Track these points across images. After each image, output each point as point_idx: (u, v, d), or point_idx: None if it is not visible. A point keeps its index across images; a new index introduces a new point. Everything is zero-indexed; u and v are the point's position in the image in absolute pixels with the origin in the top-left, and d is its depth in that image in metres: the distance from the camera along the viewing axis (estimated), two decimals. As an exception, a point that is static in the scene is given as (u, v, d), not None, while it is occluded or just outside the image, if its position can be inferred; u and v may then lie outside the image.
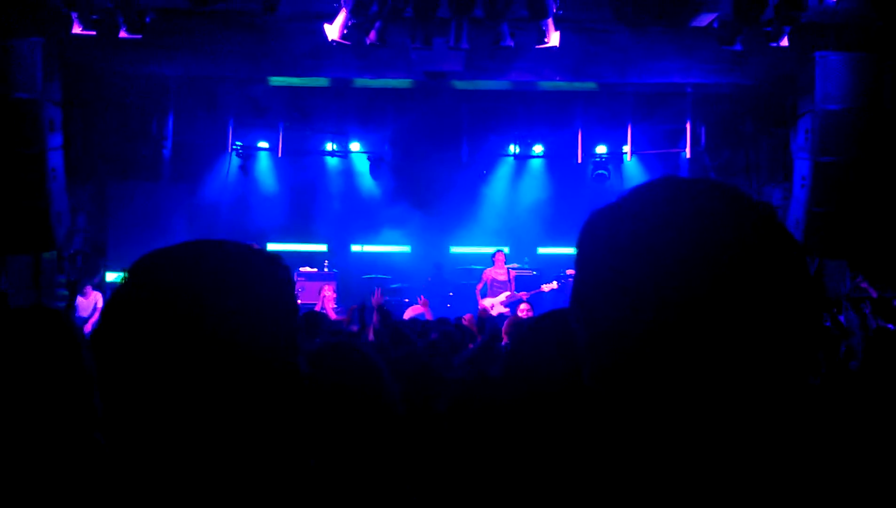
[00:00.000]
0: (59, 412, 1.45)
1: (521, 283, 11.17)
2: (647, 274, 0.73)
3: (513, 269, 11.30)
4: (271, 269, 0.93)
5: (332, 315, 8.73)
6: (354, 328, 6.30)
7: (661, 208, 0.76)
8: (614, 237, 0.77)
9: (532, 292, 10.32)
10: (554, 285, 10.53)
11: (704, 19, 8.72)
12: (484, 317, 7.14)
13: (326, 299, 10.42)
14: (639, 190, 0.80)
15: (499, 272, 10.73)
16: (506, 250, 11.50)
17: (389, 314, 6.34)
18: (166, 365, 0.85)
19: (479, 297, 10.59)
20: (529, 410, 1.33)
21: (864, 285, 6.56)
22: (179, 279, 0.88)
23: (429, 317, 8.41)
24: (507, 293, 10.42)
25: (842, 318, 4.98)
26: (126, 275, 0.90)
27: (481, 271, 11.06)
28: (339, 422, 1.58)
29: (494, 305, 10.13)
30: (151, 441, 0.86)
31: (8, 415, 1.41)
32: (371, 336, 5.67)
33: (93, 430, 1.46)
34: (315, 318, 5.80)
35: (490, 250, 11.42)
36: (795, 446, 0.73)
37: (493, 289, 10.61)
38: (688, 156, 11.55)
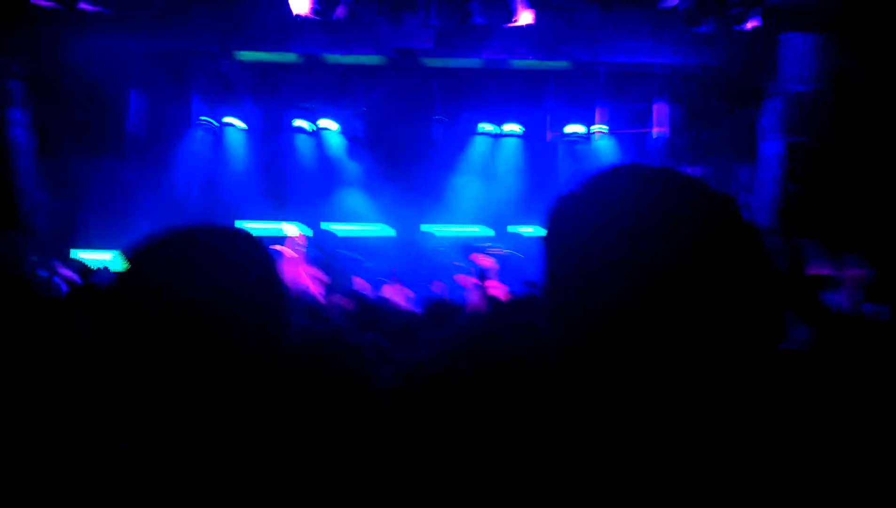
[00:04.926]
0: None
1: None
2: (614, 261, 0.74)
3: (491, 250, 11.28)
4: (260, 254, 0.95)
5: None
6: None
7: (626, 195, 0.78)
8: (580, 225, 0.79)
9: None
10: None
11: (673, 0, 8.74)
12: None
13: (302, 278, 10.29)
14: (603, 176, 0.82)
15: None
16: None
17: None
18: (166, 360, 0.86)
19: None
20: (490, 397, 1.33)
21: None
22: (173, 273, 0.89)
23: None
24: None
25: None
26: (118, 272, 0.91)
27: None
28: (320, 408, 1.57)
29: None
30: (153, 433, 0.88)
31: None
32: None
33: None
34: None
35: (464, 229, 11.38)
36: (766, 422, 0.76)
37: None
38: (656, 136, 11.62)
